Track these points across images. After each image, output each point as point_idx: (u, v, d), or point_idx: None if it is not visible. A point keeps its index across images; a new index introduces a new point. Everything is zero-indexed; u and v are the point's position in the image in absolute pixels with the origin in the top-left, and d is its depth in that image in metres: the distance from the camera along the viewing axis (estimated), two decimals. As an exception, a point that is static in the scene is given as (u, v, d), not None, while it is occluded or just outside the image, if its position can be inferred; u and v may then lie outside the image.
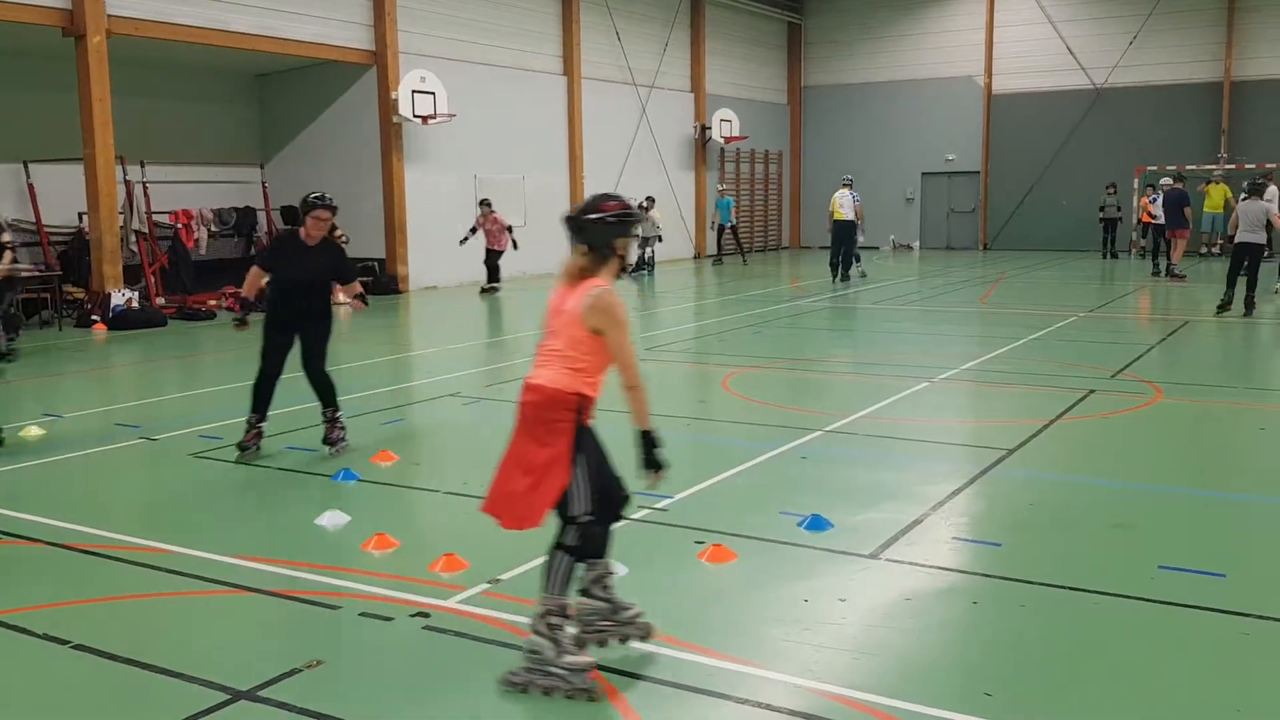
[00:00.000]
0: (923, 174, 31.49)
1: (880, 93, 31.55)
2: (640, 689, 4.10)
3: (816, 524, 5.95)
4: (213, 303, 17.46)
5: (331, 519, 6.14)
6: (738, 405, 9.60)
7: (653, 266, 23.95)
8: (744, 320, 15.63)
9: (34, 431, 8.45)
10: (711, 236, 29.88)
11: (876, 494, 6.60)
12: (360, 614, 4.79)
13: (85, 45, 15.13)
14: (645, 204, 23.14)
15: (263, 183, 20.55)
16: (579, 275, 4.21)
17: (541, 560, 5.43)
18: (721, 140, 28.89)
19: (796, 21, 32.41)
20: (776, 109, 32.47)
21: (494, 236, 20.01)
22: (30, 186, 17.40)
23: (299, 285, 7.57)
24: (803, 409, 9.18)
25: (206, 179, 19.46)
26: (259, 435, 7.75)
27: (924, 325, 15.34)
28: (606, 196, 4.29)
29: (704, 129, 28.78)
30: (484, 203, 20.26)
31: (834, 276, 21.34)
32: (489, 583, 5.13)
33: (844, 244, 21.18)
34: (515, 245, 20.26)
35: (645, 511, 6.23)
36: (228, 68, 20.25)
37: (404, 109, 19.42)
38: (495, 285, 20.25)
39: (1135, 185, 26.90)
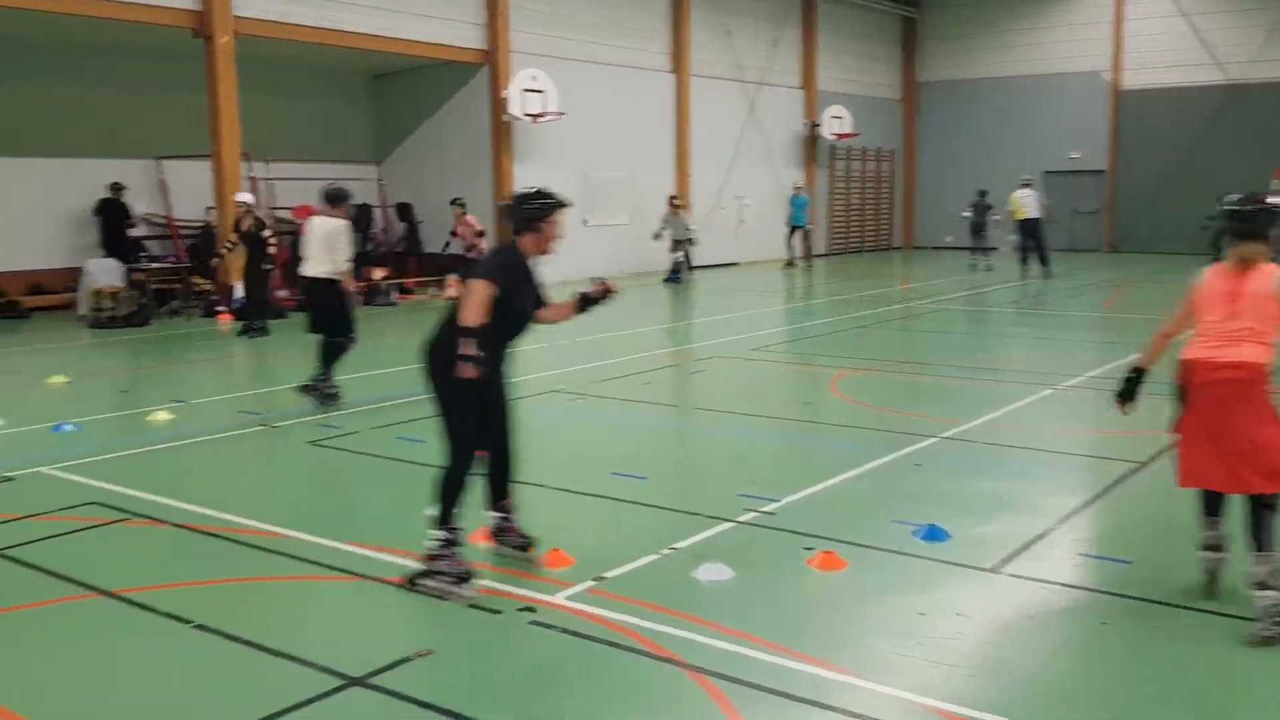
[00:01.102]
0: (1044, 173, 30.50)
1: (1000, 88, 30.68)
2: (745, 695, 4.01)
3: (933, 534, 5.76)
4: (330, 295, 17.89)
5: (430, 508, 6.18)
6: (847, 408, 9.41)
7: (682, 271, 21.62)
8: (852, 321, 15.35)
9: (162, 416, 8.75)
10: (820, 235, 29.51)
11: (996, 505, 6.37)
12: (469, 606, 4.81)
13: (214, 46, 15.66)
14: (675, 203, 21.76)
15: (379, 180, 21.03)
16: (1248, 262, 4.70)
17: (648, 560, 5.44)
18: (832, 137, 28.47)
19: (912, 16, 31.73)
20: (889, 105, 31.86)
21: (467, 242, 17.38)
22: (162, 182, 18.14)
23: (522, 322, 5.37)
24: (916, 414, 8.94)
25: (325, 176, 19.95)
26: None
27: (1045, 330, 14.85)
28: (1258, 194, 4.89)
29: (814, 126, 28.42)
30: (455, 202, 17.87)
31: (1027, 267, 22.10)
32: (595, 580, 5.10)
33: (1032, 240, 21.93)
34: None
35: (752, 514, 6.14)
36: (347, 68, 20.75)
37: (514, 108, 19.62)
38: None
39: (1273, 186, 25.57)
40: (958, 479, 6.97)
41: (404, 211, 20.92)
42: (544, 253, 5.23)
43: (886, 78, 31.73)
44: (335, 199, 8.99)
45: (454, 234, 17.82)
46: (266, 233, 13.84)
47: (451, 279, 18.86)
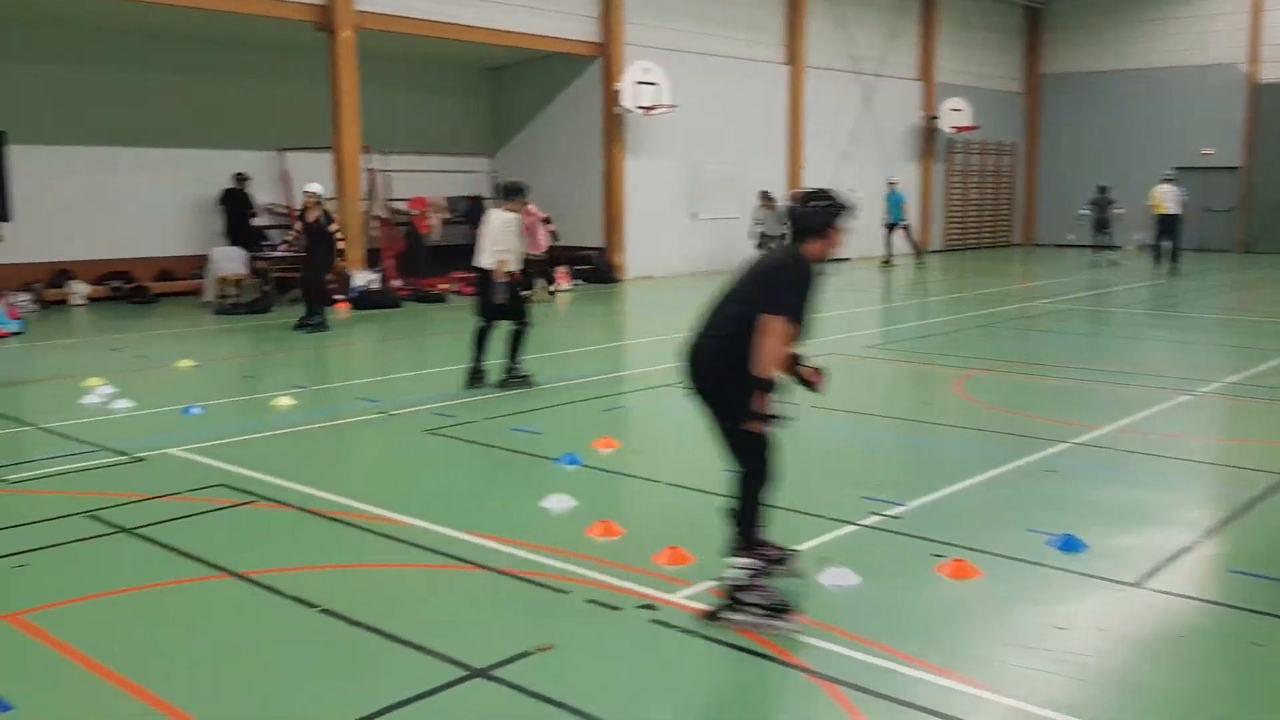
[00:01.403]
0: (1174, 169, 29.25)
1: (1128, 81, 29.49)
2: (872, 703, 3.86)
3: (1069, 545, 5.48)
4: (443, 286, 18.14)
5: (557, 502, 6.15)
6: (971, 410, 9.09)
7: None
8: (972, 320, 14.90)
9: (285, 401, 8.93)
10: (936, 231, 28.85)
11: (1136, 515, 6.05)
12: (588, 600, 4.74)
13: (336, 40, 15.99)
14: (767, 199, 20.51)
15: (491, 172, 21.23)
16: None
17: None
18: (950, 130, 27.76)
19: (1037, 5, 30.73)
20: (1011, 98, 30.91)
21: (530, 235, 16.43)
22: (284, 173, 18.63)
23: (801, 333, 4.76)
24: (1045, 418, 8.58)
25: (440, 168, 20.26)
26: None
27: (1177, 332, 14.18)
28: None
29: (932, 119, 27.74)
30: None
31: (1159, 265, 21.92)
32: (715, 580, 4.98)
33: (1168, 236, 21.81)
34: (556, 239, 17.22)
35: (876, 518, 5.95)
36: (462, 61, 21.00)
37: (627, 100, 19.59)
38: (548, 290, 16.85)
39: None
40: (1093, 487, 6.65)
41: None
42: (826, 260, 4.70)
43: (1008, 69, 30.79)
44: (511, 193, 9.32)
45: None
46: (333, 226, 13.51)
47: (559, 271, 18.98)
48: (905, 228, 24.24)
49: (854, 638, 4.40)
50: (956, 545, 5.47)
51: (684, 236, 21.73)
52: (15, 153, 15.94)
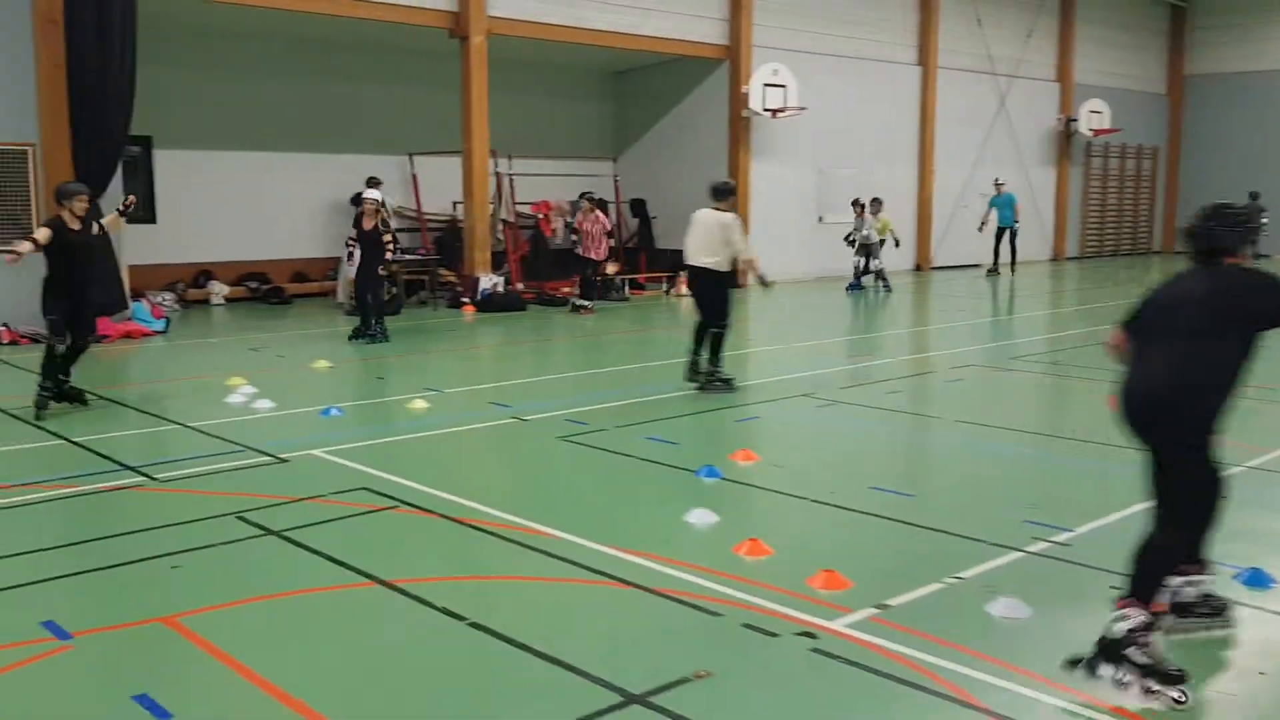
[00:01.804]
0: (1329, 173, 27.59)
1: (1277, 82, 27.93)
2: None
3: (1257, 579, 5.05)
4: (566, 290, 18.15)
5: (700, 517, 5.95)
6: (1129, 427, 8.56)
7: (884, 281, 19.43)
8: (1119, 331, 14.18)
9: (419, 404, 8.96)
10: (1072, 237, 27.79)
11: (1334, 548, 5.54)
12: (743, 625, 4.53)
13: (468, 45, 16.13)
14: (862, 207, 19.36)
15: (614, 176, 21.20)
16: None
17: (932, 588, 4.99)
18: (1089, 133, 26.68)
19: (1181, 4, 29.35)
20: (1153, 100, 29.58)
21: (594, 241, 16.20)
22: (414, 177, 18.91)
23: None
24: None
25: (563, 172, 20.32)
26: None
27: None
28: None
29: (1069, 121, 26.72)
30: (585, 196, 16.66)
31: None
32: (877, 608, 4.71)
33: None
34: (612, 254, 16.57)
35: (1042, 544, 5.58)
36: (587, 65, 21.03)
37: (754, 103, 19.32)
38: (585, 304, 16.00)
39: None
40: (1275, 515, 6.13)
41: (638, 207, 21.04)
42: None
43: (1150, 70, 29.48)
44: (722, 193, 9.44)
45: (575, 230, 16.60)
46: (386, 237, 12.88)
47: (683, 276, 18.78)
48: (1012, 234, 22.35)
49: (1032, 675, 4.08)
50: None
51: (807, 241, 21.35)
52: (160, 157, 16.58)
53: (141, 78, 13.01)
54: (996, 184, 22.64)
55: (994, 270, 22.65)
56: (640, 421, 8.49)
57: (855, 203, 19.44)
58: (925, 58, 23.27)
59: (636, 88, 21.77)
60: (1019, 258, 22.83)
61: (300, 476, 6.83)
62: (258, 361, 11.44)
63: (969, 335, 14.77)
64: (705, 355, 9.53)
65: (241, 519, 5.88)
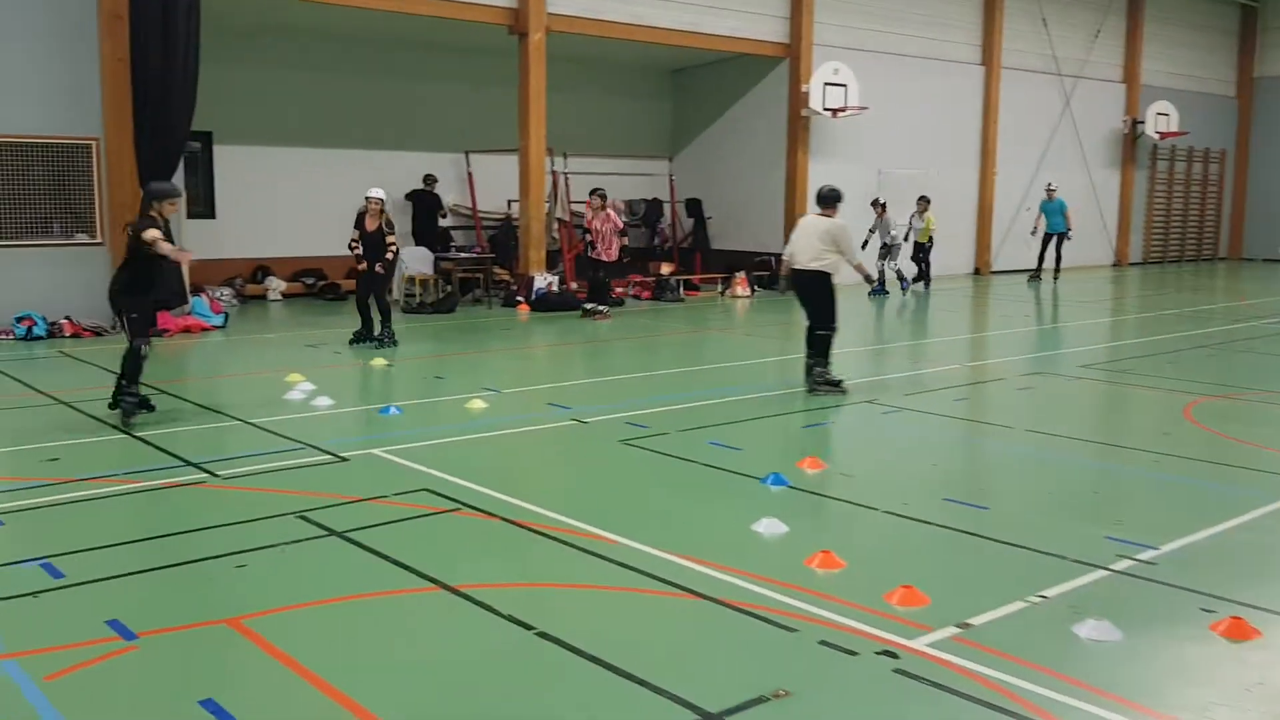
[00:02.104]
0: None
1: (1357, 83, 27.14)
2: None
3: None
4: (620, 290, 18.04)
5: (769, 526, 5.78)
6: (1212, 441, 8.26)
7: (904, 281, 19.16)
8: (1189, 340, 13.77)
9: (478, 404, 8.87)
10: (1136, 242, 27.17)
11: None
12: (820, 642, 4.35)
13: (527, 42, 16.07)
14: (883, 207, 18.84)
15: (669, 175, 21.06)
16: None
17: (1015, 607, 4.79)
18: (1155, 136, 26.06)
19: (1252, 4, 28.58)
20: (1221, 102, 28.85)
21: (605, 241, 15.03)
22: (469, 175, 18.91)
23: None
24: (1299, 452, 7.71)
25: (619, 171, 20.21)
26: None
27: None
28: None
29: (1135, 123, 26.13)
30: (595, 192, 15.27)
31: None
32: (959, 627, 4.51)
33: None
34: (625, 258, 15.77)
35: (1127, 563, 5.34)
36: (643, 63, 20.91)
37: (814, 102, 19.07)
38: (598, 308, 15.18)
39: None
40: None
41: (693, 207, 20.87)
42: None
43: (1219, 72, 28.75)
44: (829, 200, 9.59)
45: (586, 229, 15.57)
46: (390, 239, 12.17)
47: (740, 276, 18.63)
48: (1059, 240, 21.72)
49: (1120, 700, 3.88)
50: (1228, 599, 4.84)
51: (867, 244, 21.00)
52: (220, 153, 16.71)
53: (202, 74, 13.10)
54: (1048, 189, 22.02)
55: (1036, 276, 21.91)
56: (702, 425, 8.34)
57: (875, 202, 18.89)
58: (989, 57, 22.87)
59: (693, 86, 21.61)
60: (1063, 264, 22.08)
61: (361, 476, 6.76)
62: (315, 358, 11.44)
63: (1033, 341, 14.44)
64: (814, 358, 9.77)
65: (304, 518, 5.81)
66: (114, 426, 7.99)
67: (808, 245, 9.53)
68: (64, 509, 6.02)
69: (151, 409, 8.34)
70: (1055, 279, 21.78)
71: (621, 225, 15.45)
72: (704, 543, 5.56)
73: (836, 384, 9.64)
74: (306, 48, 17.27)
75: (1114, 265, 26.79)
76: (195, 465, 6.89)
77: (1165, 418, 9.11)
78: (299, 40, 17.14)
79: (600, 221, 14.99)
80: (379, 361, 11.03)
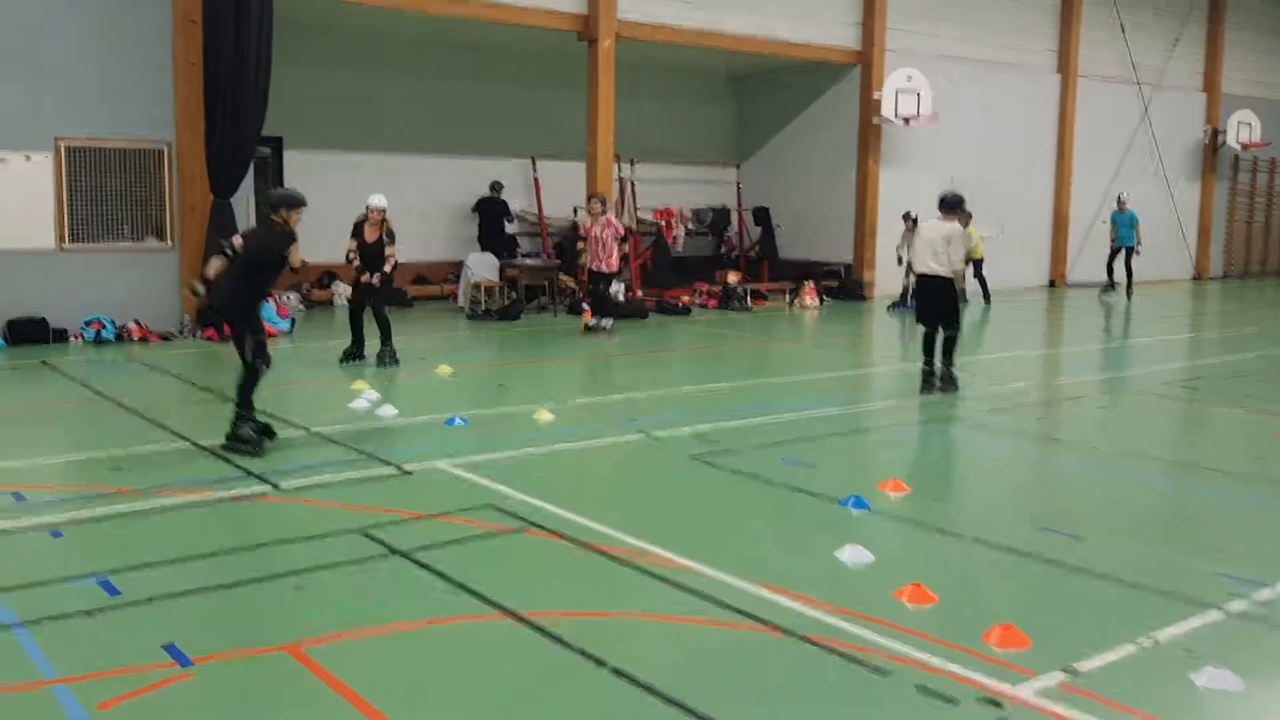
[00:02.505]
0: None
1: None
2: None
3: None
4: (685, 298, 17.78)
5: (853, 555, 5.47)
6: (1317, 468, 7.76)
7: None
8: (1276, 360, 13.17)
9: (544, 416, 8.65)
10: (1216, 256, 26.28)
11: None
12: (917, 687, 4.04)
13: (596, 49, 15.89)
14: (914, 221, 16.58)
15: (737, 183, 20.75)
16: None
17: (1124, 651, 4.42)
18: (1237, 146, 25.17)
19: (1343, 8, 27.50)
20: (1309, 112, 27.79)
21: (606, 249, 13.99)
22: (536, 181, 18.78)
23: None
24: None
25: (686, 178, 19.97)
26: None
27: None
28: None
29: (1216, 133, 25.26)
30: (595, 198, 14.47)
31: None
32: (1064, 672, 4.17)
33: None
34: (625, 264, 14.88)
35: (1242, 603, 4.94)
36: (710, 69, 20.65)
37: (887, 109, 18.64)
38: (601, 323, 14.21)
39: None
40: None
41: (761, 215, 20.53)
42: None
43: (1307, 80, 27.71)
44: (951, 205, 9.74)
45: (582, 237, 14.48)
46: (390, 250, 11.38)
47: (809, 286, 18.25)
48: (1129, 255, 20.50)
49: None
50: (1362, 649, 4.43)
51: (936, 254, 20.47)
52: (289, 158, 16.75)
53: (272, 78, 13.08)
54: (1119, 200, 20.80)
55: (1109, 287, 20.86)
56: (774, 442, 8.04)
57: (906, 216, 17.45)
58: (1065, 65, 22.25)
59: (760, 93, 21.30)
60: (1136, 279, 20.97)
61: (426, 490, 6.57)
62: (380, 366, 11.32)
63: (1111, 358, 13.90)
64: (938, 361, 10.04)
65: (367, 535, 5.62)
66: (176, 433, 7.90)
67: (928, 249, 9.72)
68: (124, 521, 5.90)
69: (273, 436, 7.54)
70: (1129, 295, 20.59)
71: (623, 232, 14.63)
72: (785, 571, 5.27)
73: (954, 381, 9.98)
74: (375, 53, 17.28)
75: (1193, 279, 25.91)
76: (258, 477, 6.74)
77: (1257, 440, 8.62)
78: (367, 45, 17.15)
79: (600, 228, 14.02)
80: (444, 370, 10.87)
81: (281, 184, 16.75)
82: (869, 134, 19.10)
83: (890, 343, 14.81)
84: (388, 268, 11.36)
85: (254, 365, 7.40)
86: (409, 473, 6.93)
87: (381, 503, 6.25)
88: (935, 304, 9.88)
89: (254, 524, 5.92)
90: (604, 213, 14.19)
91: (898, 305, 17.75)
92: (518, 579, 5.14)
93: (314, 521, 5.89)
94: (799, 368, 12.28)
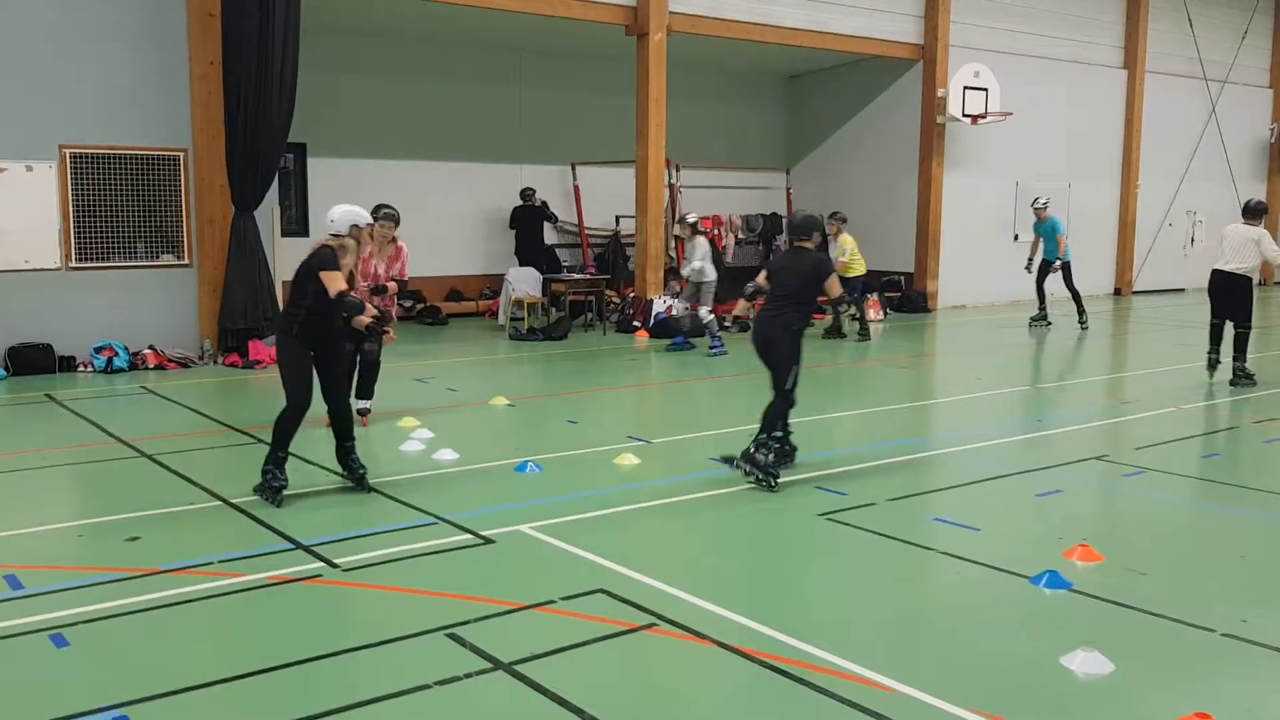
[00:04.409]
0: None
1: None
2: None
3: None
4: (739, 313, 16.48)
5: (1086, 663, 4.20)
6: None
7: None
8: None
9: (629, 460, 7.41)
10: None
11: None
12: None
13: (646, 43, 14.69)
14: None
15: (787, 189, 19.50)
16: None
17: None
18: (1308, 143, 23.86)
19: None
20: (1378, 107, 26.42)
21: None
22: (576, 188, 17.57)
23: None
24: None
25: (734, 184, 18.73)
26: None
27: None
28: None
29: (1283, 131, 23.97)
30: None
31: None
32: None
33: None
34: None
35: None
36: (761, 68, 19.45)
37: (953, 107, 17.37)
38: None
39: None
40: None
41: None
42: None
43: (1378, 73, 26.34)
44: (1256, 213, 10.55)
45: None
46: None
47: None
48: (1065, 270, 15.54)
49: None
50: None
51: (1001, 262, 19.24)
52: (313, 165, 15.57)
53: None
54: (1035, 207, 15.74)
55: (1039, 319, 16.01)
56: (911, 493, 6.77)
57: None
58: (1132, 60, 20.97)
59: (813, 93, 20.07)
60: (1079, 294, 16.00)
61: (515, 566, 5.32)
62: (427, 396, 10.10)
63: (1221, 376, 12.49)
64: (1224, 355, 10.78)
65: (454, 638, 4.37)
66: (204, 489, 6.67)
67: (1235, 250, 10.43)
68: (145, 619, 4.65)
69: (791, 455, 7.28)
70: (1081, 319, 15.89)
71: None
72: (1007, 689, 4.00)
73: (1251, 377, 10.65)
74: (405, 52, 16.11)
75: (1259, 284, 24.55)
76: (307, 549, 5.50)
77: None
78: (397, 44, 15.98)
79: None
80: (500, 401, 9.64)
81: (305, 194, 15.56)
82: (932, 134, 17.84)
83: (998, 360, 13.45)
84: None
85: (790, 395, 6.95)
86: (490, 541, 5.67)
87: (466, 587, 4.99)
88: (1234, 301, 10.58)
89: (306, 622, 4.66)
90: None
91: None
92: (665, 707, 3.88)
93: (384, 616, 4.65)
94: (891, 394, 11.01)
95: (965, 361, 13.41)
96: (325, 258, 6.32)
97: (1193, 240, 22.77)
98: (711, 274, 13.19)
